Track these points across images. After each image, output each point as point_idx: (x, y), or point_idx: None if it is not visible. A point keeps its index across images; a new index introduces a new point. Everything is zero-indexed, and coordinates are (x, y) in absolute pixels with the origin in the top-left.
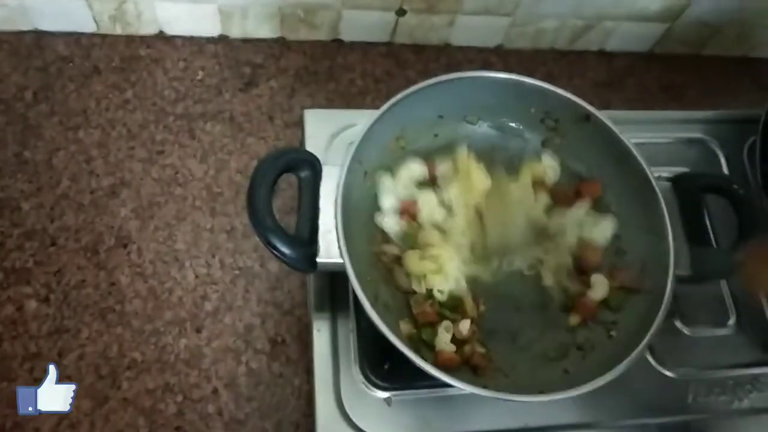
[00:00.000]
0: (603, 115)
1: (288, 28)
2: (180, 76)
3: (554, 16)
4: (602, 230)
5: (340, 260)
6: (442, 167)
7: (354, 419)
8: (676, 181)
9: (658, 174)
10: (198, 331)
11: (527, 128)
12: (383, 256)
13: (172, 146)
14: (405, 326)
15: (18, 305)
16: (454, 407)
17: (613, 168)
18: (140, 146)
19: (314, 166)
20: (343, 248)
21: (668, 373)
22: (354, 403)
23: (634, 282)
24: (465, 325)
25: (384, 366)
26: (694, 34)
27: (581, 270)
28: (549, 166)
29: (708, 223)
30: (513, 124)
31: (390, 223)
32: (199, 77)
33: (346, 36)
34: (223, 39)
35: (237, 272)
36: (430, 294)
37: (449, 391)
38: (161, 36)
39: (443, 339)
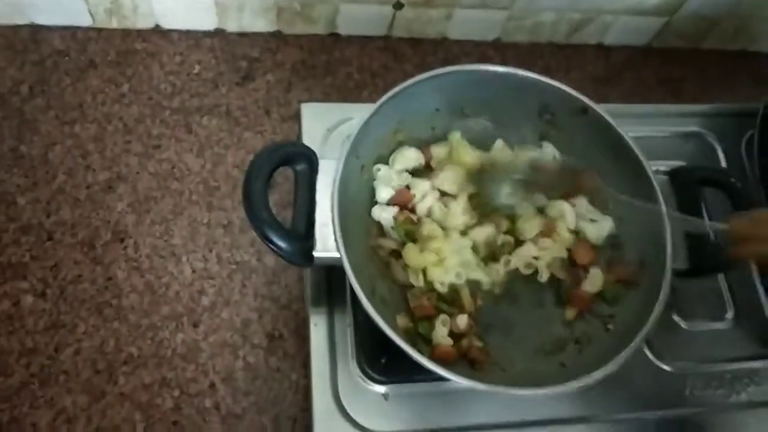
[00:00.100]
0: (600, 109)
1: (285, 21)
2: (176, 70)
3: (552, 10)
4: (599, 229)
5: (337, 254)
6: (436, 151)
7: (351, 413)
8: (673, 174)
9: (656, 167)
10: (195, 325)
11: (524, 121)
12: (380, 250)
13: (168, 140)
14: (402, 320)
15: (14, 300)
16: (452, 401)
17: (610, 161)
18: (136, 140)
19: (311, 159)
20: (340, 242)
21: (666, 367)
22: (351, 397)
23: (631, 275)
24: (462, 320)
25: (381, 360)
26: (692, 28)
27: (575, 263)
28: (548, 155)
29: (706, 216)
30: (510, 117)
31: (387, 216)
32: (195, 71)
33: (343, 30)
34: (219, 33)
35: (234, 267)
36: (427, 287)
37: (446, 385)
38: (157, 30)
39: (440, 333)
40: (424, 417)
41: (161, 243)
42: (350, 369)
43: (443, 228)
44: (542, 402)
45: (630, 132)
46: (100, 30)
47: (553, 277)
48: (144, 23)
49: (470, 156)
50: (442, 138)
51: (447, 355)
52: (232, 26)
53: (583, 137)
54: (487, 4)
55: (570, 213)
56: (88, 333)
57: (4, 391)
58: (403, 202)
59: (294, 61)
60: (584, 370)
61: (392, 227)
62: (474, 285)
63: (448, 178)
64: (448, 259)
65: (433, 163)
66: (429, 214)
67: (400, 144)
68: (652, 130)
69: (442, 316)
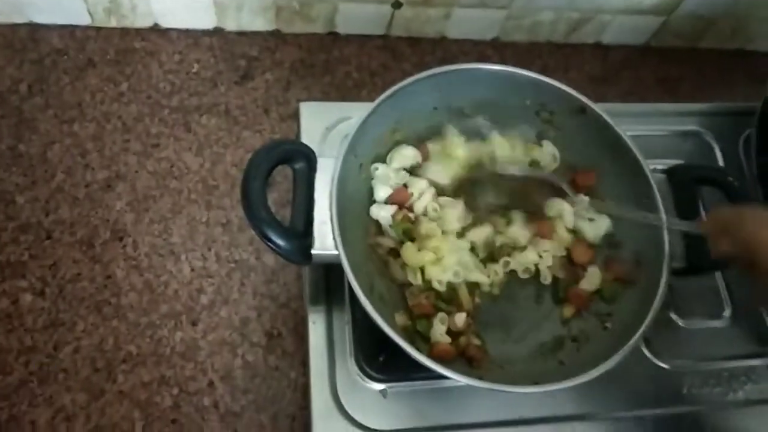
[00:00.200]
0: (598, 108)
1: (283, 20)
2: (175, 69)
3: (550, 9)
4: (596, 228)
5: (335, 252)
6: (432, 146)
7: (350, 411)
8: (671, 172)
9: (654, 166)
10: (194, 324)
11: (523, 121)
12: (378, 249)
13: (167, 139)
14: (400, 318)
15: (13, 299)
16: (450, 399)
17: (608, 160)
18: (135, 139)
19: (309, 158)
20: (338, 240)
21: (663, 365)
22: (350, 395)
23: (628, 274)
24: (460, 318)
25: (379, 358)
26: (690, 27)
27: (573, 262)
28: (548, 153)
29: (703, 214)
30: (508, 117)
31: (385, 215)
32: (194, 70)
33: (342, 29)
34: (218, 32)
35: (233, 265)
36: (426, 286)
37: (444, 383)
38: (156, 29)
39: (438, 331)
40: (422, 415)
41: (160, 242)
42: (349, 367)
43: (442, 228)
44: (540, 400)
45: (628, 131)
46: (98, 29)
47: (550, 276)
48: (143, 22)
49: (462, 149)
50: (438, 134)
51: (445, 353)
52: (230, 25)
53: (582, 136)
54: (485, 4)
55: (569, 212)
56: (87, 331)
57: (3, 390)
58: (400, 200)
59: (293, 60)
60: (582, 368)
61: (390, 226)
62: (473, 286)
63: (439, 170)
64: (446, 258)
65: (428, 159)
66: (426, 213)
67: (398, 143)
68: (650, 128)
69: (441, 315)
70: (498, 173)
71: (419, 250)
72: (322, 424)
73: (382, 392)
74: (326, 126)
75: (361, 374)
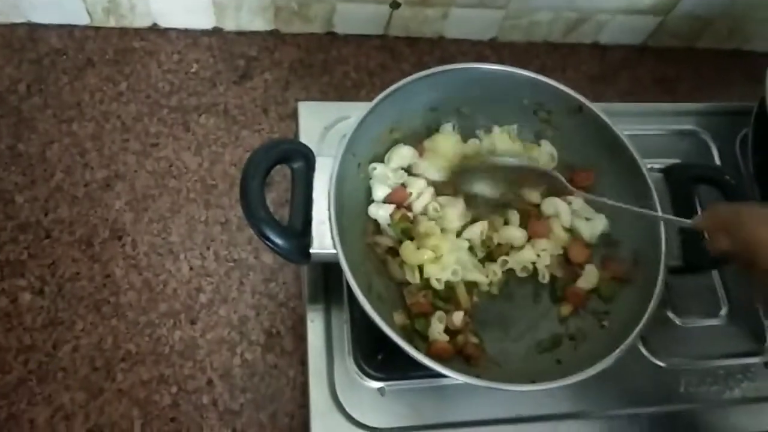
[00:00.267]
0: (596, 107)
1: (282, 20)
2: (174, 69)
3: (548, 9)
4: (593, 227)
5: (334, 251)
6: (429, 144)
7: (348, 409)
8: (668, 171)
9: (651, 165)
10: (193, 322)
11: (520, 120)
12: (377, 248)
13: (166, 139)
14: (398, 317)
15: (12, 298)
16: (448, 397)
17: (606, 159)
18: (134, 139)
19: (308, 157)
20: (337, 239)
21: (660, 363)
22: (348, 393)
23: (626, 272)
24: (458, 316)
25: (378, 356)
26: (687, 28)
27: (571, 260)
28: (546, 153)
29: (700, 213)
30: (506, 116)
31: (384, 214)
32: (193, 70)
33: (340, 29)
34: (217, 31)
35: (231, 264)
36: (424, 285)
37: (442, 381)
38: (155, 28)
39: (436, 329)
40: (420, 413)
41: (159, 241)
42: (347, 365)
43: (441, 227)
44: (538, 398)
45: (625, 130)
46: (97, 29)
47: (547, 274)
48: (141, 22)
49: (457, 146)
50: (436, 132)
51: (443, 352)
52: (229, 25)
53: (579, 136)
54: (483, 4)
55: (565, 211)
56: (86, 330)
57: (2, 388)
58: (399, 200)
59: (291, 60)
60: (579, 366)
61: (389, 225)
62: (471, 285)
63: (432, 166)
64: (445, 257)
65: (425, 157)
66: (425, 212)
67: (396, 142)
68: (648, 128)
69: (439, 313)
70: (494, 164)
71: (418, 248)
72: (320, 422)
73: (380, 390)
74: (325, 125)
75: (360, 372)
